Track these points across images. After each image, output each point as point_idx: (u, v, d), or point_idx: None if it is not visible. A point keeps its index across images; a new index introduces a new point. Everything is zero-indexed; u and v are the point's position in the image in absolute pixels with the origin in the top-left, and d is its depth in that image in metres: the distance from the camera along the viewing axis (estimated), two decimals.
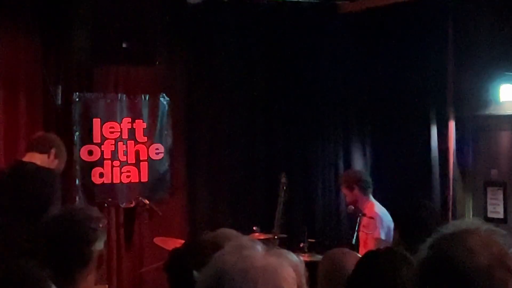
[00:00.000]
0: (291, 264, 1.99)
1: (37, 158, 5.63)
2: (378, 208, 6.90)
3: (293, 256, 2.10)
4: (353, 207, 6.94)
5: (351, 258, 3.74)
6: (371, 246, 6.41)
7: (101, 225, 3.28)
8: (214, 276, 1.91)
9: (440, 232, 2.06)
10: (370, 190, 7.04)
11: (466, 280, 1.93)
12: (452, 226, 2.09)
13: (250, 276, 1.88)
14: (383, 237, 6.60)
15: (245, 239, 2.51)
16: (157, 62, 7.78)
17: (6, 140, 7.49)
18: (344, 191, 7.16)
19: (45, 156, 5.65)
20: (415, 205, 4.86)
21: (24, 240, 4.80)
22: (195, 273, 2.88)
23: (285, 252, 2.05)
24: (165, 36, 7.92)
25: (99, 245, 3.21)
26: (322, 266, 3.95)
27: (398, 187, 8.04)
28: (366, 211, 6.80)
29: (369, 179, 7.13)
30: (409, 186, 7.97)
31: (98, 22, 7.35)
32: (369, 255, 3.37)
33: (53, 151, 5.69)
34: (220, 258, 1.95)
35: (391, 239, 5.74)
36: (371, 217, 6.71)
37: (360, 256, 3.68)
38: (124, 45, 7.40)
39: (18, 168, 5.70)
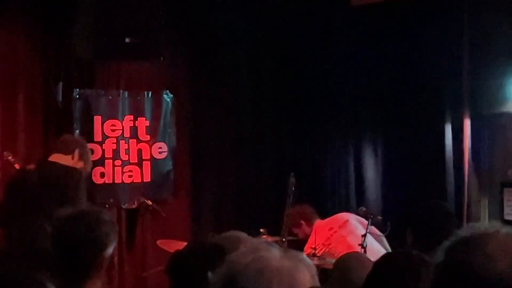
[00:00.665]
0: (307, 268, 2.03)
1: (61, 159, 5.84)
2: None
3: (308, 260, 2.11)
4: (364, 209, 6.89)
5: (366, 262, 3.69)
6: None
7: (114, 230, 3.26)
8: (228, 276, 1.97)
9: (458, 235, 2.01)
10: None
11: (484, 286, 1.86)
12: (469, 229, 2.04)
13: (265, 277, 1.94)
14: None
15: (259, 241, 2.55)
16: (161, 58, 7.73)
17: (4, 137, 7.46)
18: (295, 231, 7.22)
19: (69, 157, 5.88)
20: (429, 206, 4.78)
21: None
22: (209, 273, 2.88)
23: (301, 255, 2.09)
24: (169, 30, 7.85)
25: (110, 251, 3.17)
26: (336, 270, 3.91)
27: (410, 188, 7.96)
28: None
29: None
30: (422, 187, 7.88)
31: (100, 16, 7.32)
32: (387, 257, 3.31)
33: (77, 152, 5.92)
34: (235, 259, 2.01)
35: None
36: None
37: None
38: (127, 40, 7.36)
39: (43, 166, 5.86)
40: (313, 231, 6.88)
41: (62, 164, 5.77)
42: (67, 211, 3.39)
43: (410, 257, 3.12)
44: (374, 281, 3.10)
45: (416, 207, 5.00)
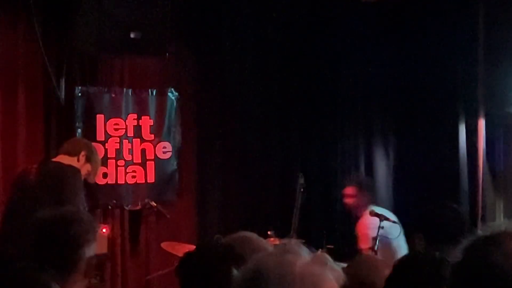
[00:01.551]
0: (334, 276, 2.03)
1: (66, 161, 5.82)
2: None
3: (337, 267, 2.10)
4: (374, 211, 6.89)
5: (379, 264, 3.70)
6: None
7: (92, 230, 3.28)
8: (251, 277, 1.98)
9: (476, 234, 2.02)
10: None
11: (503, 284, 1.90)
12: (488, 228, 2.06)
13: (287, 282, 1.94)
14: None
15: (289, 242, 2.57)
16: (167, 54, 7.72)
17: (5, 135, 7.47)
18: (352, 192, 7.32)
19: (75, 159, 5.87)
20: (440, 207, 4.78)
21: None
22: (234, 271, 2.89)
23: (330, 261, 2.07)
24: (175, 26, 7.81)
25: (89, 252, 3.20)
26: (350, 273, 3.90)
27: (423, 189, 7.92)
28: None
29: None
30: (435, 188, 7.86)
31: (104, 10, 7.29)
32: (408, 258, 3.31)
33: (83, 154, 5.91)
34: (260, 260, 2.01)
35: None
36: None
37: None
38: (132, 35, 7.35)
39: (43, 165, 5.87)
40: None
41: (60, 163, 5.76)
42: (47, 211, 3.52)
43: (431, 258, 3.13)
44: (394, 282, 3.11)
45: (428, 208, 4.99)
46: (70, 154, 5.91)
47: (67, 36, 7.61)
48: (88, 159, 5.94)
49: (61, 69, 7.72)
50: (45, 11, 7.54)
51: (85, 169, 5.89)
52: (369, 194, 7.32)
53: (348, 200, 7.36)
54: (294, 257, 2.00)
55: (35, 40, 7.46)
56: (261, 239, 3.63)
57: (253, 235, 3.56)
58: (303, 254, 2.03)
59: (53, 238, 3.20)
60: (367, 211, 6.99)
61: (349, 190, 7.41)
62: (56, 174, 5.60)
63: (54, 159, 5.97)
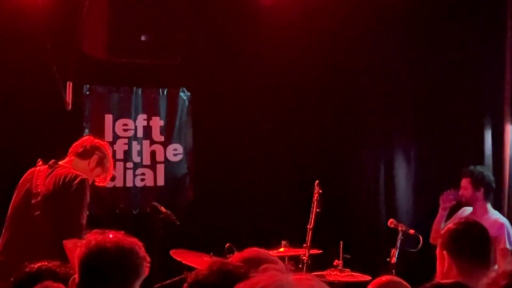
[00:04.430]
0: None
1: (77, 164, 5.73)
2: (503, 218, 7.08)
3: None
4: (394, 222, 6.82)
5: None
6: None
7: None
8: None
9: None
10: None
11: None
12: None
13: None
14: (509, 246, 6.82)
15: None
16: (179, 58, 7.65)
17: (12, 135, 7.52)
18: (467, 184, 7.22)
19: (86, 162, 5.77)
20: (467, 224, 4.69)
21: None
22: None
23: None
24: (187, 26, 7.77)
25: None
26: None
27: None
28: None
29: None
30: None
31: (115, 13, 7.23)
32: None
33: (95, 157, 5.78)
34: (254, 281, 2.04)
35: None
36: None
37: None
38: (142, 38, 7.30)
39: (51, 171, 5.72)
40: None
41: (69, 171, 5.64)
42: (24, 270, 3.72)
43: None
44: None
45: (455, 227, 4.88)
46: (81, 157, 5.78)
47: (76, 38, 7.54)
48: (99, 163, 5.82)
49: (68, 71, 7.65)
50: (54, 14, 7.47)
51: (95, 173, 5.80)
52: (485, 190, 7.19)
53: (463, 193, 7.27)
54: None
55: (43, 41, 7.42)
56: (276, 258, 3.58)
57: (267, 255, 3.51)
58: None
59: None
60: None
61: (464, 183, 7.32)
62: (64, 185, 5.53)
63: (63, 162, 5.81)
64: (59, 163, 5.78)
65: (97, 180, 5.90)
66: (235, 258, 3.65)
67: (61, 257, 4.80)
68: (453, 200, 7.23)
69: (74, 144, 5.91)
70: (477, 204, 7.12)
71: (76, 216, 5.37)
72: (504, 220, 7.02)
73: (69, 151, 5.90)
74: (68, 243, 5.24)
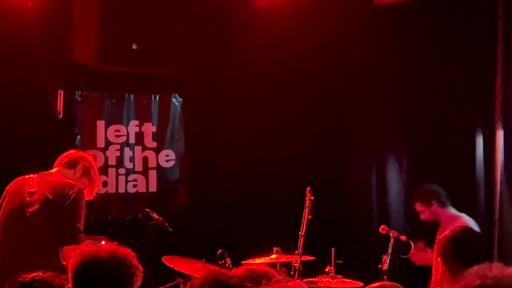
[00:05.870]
0: None
1: (62, 173, 5.82)
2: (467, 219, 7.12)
3: None
4: (386, 228, 6.85)
5: None
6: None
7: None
8: None
9: None
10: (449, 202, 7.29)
11: None
12: None
13: None
14: None
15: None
16: (170, 66, 7.68)
17: (3, 142, 7.53)
18: (419, 207, 7.29)
19: (72, 171, 5.86)
20: (467, 233, 4.73)
21: None
22: None
23: None
24: (178, 33, 7.79)
25: None
26: None
27: None
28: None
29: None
30: (451, 204, 7.84)
31: (105, 21, 7.23)
32: None
33: (80, 167, 5.88)
34: None
35: None
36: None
37: None
38: (134, 47, 7.31)
39: (43, 179, 5.78)
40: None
41: (63, 180, 5.72)
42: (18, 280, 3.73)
43: None
44: None
45: (447, 235, 4.91)
46: (67, 167, 5.88)
47: (68, 47, 7.56)
48: (85, 173, 5.90)
49: (59, 79, 7.67)
50: (47, 22, 7.49)
51: (82, 183, 5.84)
52: (437, 201, 7.26)
53: (423, 217, 7.32)
54: None
55: (34, 50, 7.44)
56: (274, 271, 3.64)
57: (265, 270, 3.58)
58: None
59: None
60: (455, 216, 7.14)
61: (417, 208, 7.40)
62: (62, 193, 5.57)
63: (52, 171, 5.90)
64: (49, 172, 5.83)
65: (85, 193, 5.88)
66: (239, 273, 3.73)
67: (56, 265, 4.86)
68: (424, 258, 7.19)
69: (59, 157, 6.00)
70: (440, 216, 7.19)
71: (75, 224, 5.48)
72: (466, 219, 7.10)
73: (55, 163, 5.99)
74: (69, 250, 5.28)
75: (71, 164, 5.90)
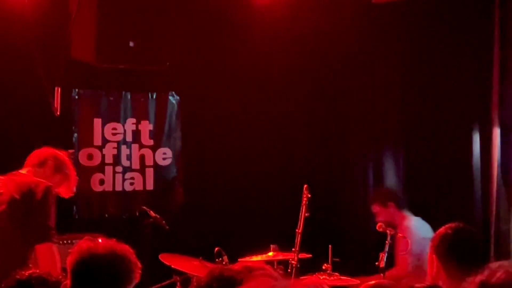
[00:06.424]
0: None
1: (33, 173, 5.65)
2: (412, 222, 7.32)
3: None
4: (383, 225, 6.85)
5: None
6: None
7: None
8: None
9: None
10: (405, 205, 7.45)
11: None
12: None
13: None
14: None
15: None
16: (167, 63, 7.66)
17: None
18: (377, 208, 7.44)
19: (42, 170, 5.68)
20: (456, 231, 4.73)
21: None
22: None
23: None
24: (175, 30, 7.79)
25: None
26: None
27: (435, 203, 7.92)
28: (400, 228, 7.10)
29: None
30: (447, 202, 7.85)
31: (103, 18, 7.22)
32: None
33: (50, 164, 5.71)
34: None
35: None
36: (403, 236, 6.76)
37: None
38: (131, 44, 7.30)
39: (10, 178, 5.63)
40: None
41: (30, 178, 5.57)
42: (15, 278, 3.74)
43: None
44: None
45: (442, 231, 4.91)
46: (37, 166, 5.71)
47: (65, 44, 7.55)
48: (57, 170, 5.75)
49: (56, 77, 7.65)
50: (44, 19, 7.47)
51: (54, 180, 5.66)
52: (394, 203, 7.44)
53: (379, 219, 7.38)
54: None
55: (30, 41, 7.43)
56: (277, 275, 3.65)
57: (262, 268, 3.60)
58: None
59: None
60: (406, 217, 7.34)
61: (374, 209, 7.55)
62: (29, 192, 5.45)
63: (23, 171, 5.71)
64: (18, 172, 5.70)
65: (61, 191, 5.77)
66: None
67: (26, 266, 4.77)
68: None
69: (28, 157, 5.83)
70: (396, 218, 7.36)
71: (45, 222, 5.31)
72: (416, 223, 7.28)
73: (25, 163, 5.80)
74: (41, 248, 5.23)
75: (41, 163, 5.71)
